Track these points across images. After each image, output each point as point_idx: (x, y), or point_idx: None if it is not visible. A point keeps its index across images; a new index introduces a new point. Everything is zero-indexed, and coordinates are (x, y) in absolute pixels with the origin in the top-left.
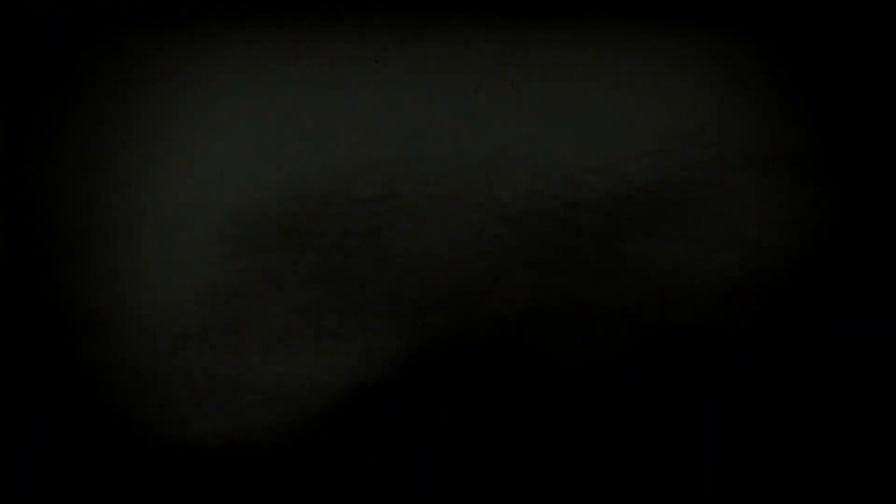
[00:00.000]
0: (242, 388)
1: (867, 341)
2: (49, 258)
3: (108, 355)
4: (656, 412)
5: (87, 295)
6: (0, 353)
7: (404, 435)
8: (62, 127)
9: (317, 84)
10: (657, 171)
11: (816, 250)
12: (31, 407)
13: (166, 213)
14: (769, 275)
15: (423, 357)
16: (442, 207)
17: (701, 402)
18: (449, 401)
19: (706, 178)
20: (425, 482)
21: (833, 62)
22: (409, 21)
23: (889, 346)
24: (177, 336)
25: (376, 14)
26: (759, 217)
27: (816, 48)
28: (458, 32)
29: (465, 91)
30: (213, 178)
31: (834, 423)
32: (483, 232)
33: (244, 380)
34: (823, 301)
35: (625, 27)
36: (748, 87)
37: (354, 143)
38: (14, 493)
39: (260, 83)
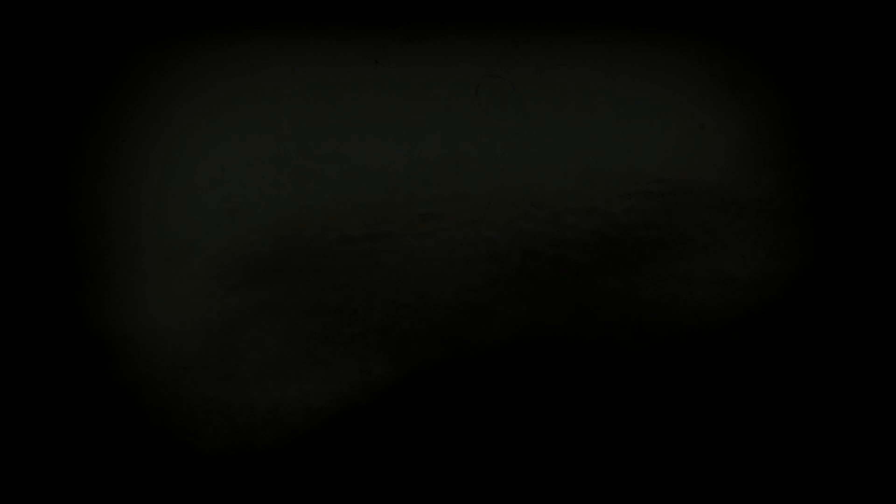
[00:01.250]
0: (239, 412)
1: (842, 373)
2: (55, 290)
3: (110, 380)
4: (637, 442)
5: (90, 323)
6: (6, 378)
7: (392, 458)
8: (65, 162)
9: (309, 128)
10: (639, 212)
11: (792, 286)
12: (34, 430)
13: (166, 249)
14: (746, 308)
15: (412, 385)
16: (432, 245)
17: (679, 432)
18: (436, 428)
19: (686, 219)
20: (412, 502)
21: (805, 110)
22: (395, 64)
23: (863, 378)
24: (176, 363)
25: (367, 54)
26: (736, 254)
27: (788, 97)
28: (441, 80)
29: (451, 135)
30: (210, 216)
31: (805, 453)
32: (472, 268)
33: (240, 405)
34: (798, 333)
35: (604, 75)
36: (726, 135)
37: (345, 185)
38: None
39: (254, 127)
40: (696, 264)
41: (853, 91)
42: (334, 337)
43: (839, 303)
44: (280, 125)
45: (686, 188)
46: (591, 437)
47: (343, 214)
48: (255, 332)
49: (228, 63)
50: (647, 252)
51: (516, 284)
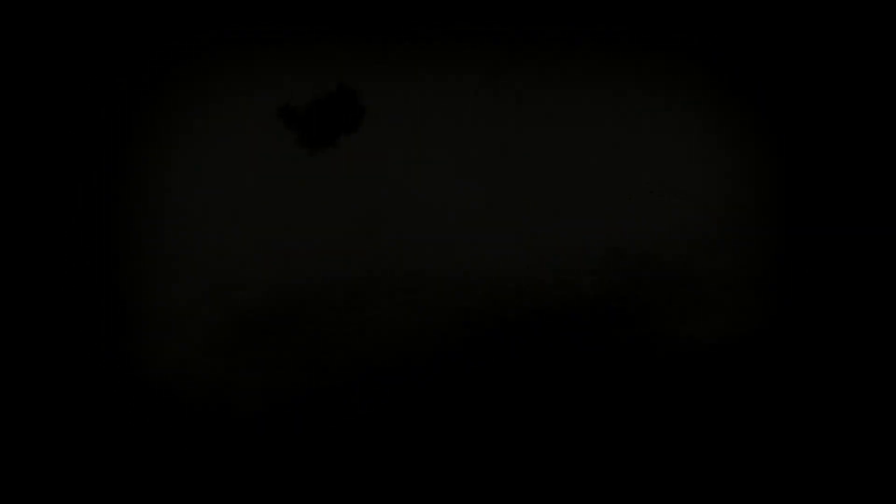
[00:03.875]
0: (236, 454)
1: (792, 427)
2: (82, 353)
3: (122, 420)
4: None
5: (109, 368)
6: (32, 412)
7: (375, 490)
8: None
9: (295, 209)
10: (604, 285)
11: (747, 348)
12: (52, 461)
13: (173, 314)
14: (704, 367)
15: (397, 433)
16: (412, 313)
17: (643, 480)
18: (410, 474)
19: (647, 291)
20: None
21: (753, 196)
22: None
23: (809, 432)
24: (178, 409)
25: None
26: (695, 319)
27: (745, 172)
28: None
29: (429, 212)
30: (206, 287)
31: (788, 475)
32: (451, 333)
33: (237, 447)
34: (753, 388)
35: (567, 150)
36: (687, 216)
37: (331, 260)
38: None
39: (244, 209)
40: (659, 329)
41: (802, 171)
42: (319, 389)
43: (791, 361)
44: (268, 207)
45: (647, 264)
46: (564, 483)
47: (327, 285)
48: (247, 384)
49: (219, 143)
50: (614, 319)
51: (493, 346)
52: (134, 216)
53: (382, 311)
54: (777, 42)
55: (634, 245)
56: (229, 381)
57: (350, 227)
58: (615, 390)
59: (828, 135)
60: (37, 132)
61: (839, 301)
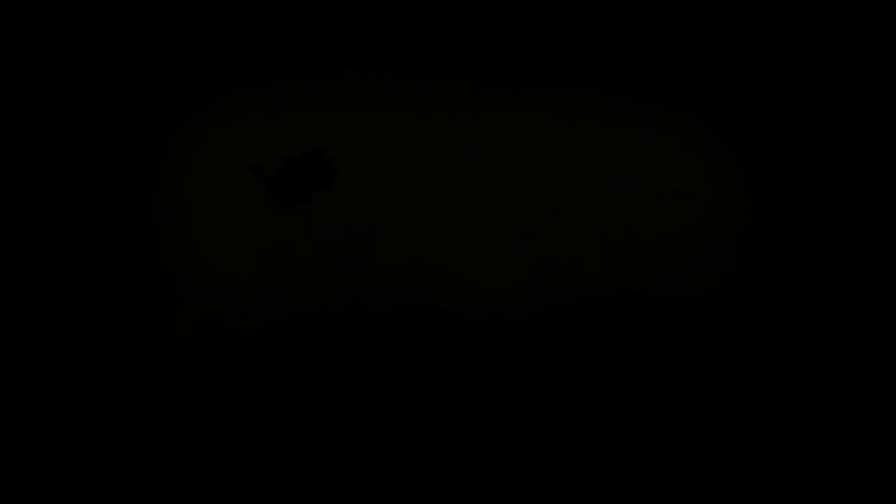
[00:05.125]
0: (240, 468)
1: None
2: (106, 365)
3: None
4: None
5: (132, 376)
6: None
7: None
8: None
9: (296, 245)
10: (600, 318)
11: (741, 380)
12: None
13: (178, 340)
14: (687, 389)
15: (401, 443)
16: (405, 343)
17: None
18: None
19: (634, 318)
20: None
21: (736, 231)
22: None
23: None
24: (185, 426)
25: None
26: (679, 343)
27: (735, 211)
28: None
29: (422, 245)
30: (207, 319)
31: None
32: (448, 356)
33: (241, 459)
34: (741, 409)
35: (555, 190)
36: (684, 253)
37: (326, 292)
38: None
39: (238, 249)
40: (645, 356)
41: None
42: (325, 407)
43: (774, 387)
44: (265, 239)
45: (638, 295)
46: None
47: (322, 317)
48: (248, 404)
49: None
50: (600, 344)
51: (483, 376)
52: (133, 238)
53: (375, 338)
54: (763, 68)
55: (623, 277)
56: (230, 399)
57: (345, 260)
58: (601, 416)
59: (807, 163)
60: (36, 137)
61: (819, 325)
